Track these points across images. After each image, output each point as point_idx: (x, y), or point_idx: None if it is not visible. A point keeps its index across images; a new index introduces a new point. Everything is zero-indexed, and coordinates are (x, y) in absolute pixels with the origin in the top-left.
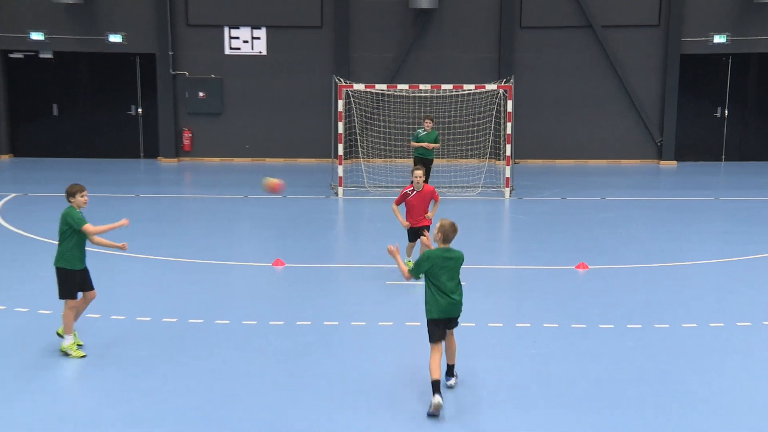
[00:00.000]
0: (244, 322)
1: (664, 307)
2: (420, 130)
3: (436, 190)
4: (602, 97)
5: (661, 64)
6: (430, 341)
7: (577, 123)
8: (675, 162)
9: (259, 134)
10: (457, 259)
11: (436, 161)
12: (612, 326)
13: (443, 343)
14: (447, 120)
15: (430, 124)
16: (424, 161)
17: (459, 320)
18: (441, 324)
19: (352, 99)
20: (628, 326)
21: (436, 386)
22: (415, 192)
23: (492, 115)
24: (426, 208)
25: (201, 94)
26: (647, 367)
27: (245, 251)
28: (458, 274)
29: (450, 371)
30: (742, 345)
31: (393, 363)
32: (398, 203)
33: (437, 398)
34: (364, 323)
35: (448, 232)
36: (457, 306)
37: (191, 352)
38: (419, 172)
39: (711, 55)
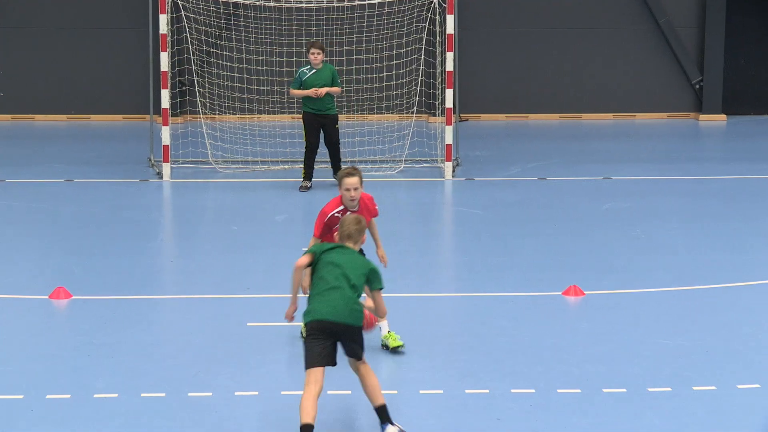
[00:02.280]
0: (1, 397)
1: (709, 357)
2: (305, 69)
3: (373, 199)
4: (604, 13)
5: None
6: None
7: (565, 55)
8: (724, 116)
9: (19, 75)
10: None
11: None
12: (624, 390)
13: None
14: (346, 51)
15: (321, 56)
16: (319, 120)
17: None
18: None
19: (183, 14)
20: (650, 390)
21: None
22: (348, 214)
23: (421, 41)
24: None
25: None
26: None
27: (2, 275)
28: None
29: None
30: None
31: None
32: (320, 236)
33: None
34: (209, 394)
35: (345, 225)
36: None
37: None
38: (353, 180)
39: None
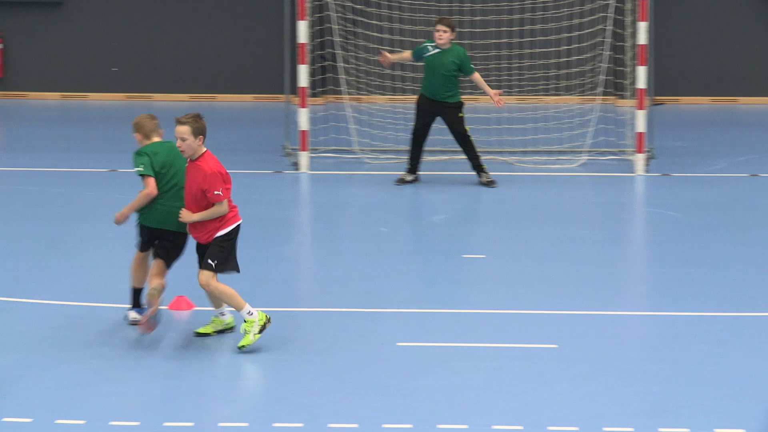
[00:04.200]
0: (113, 423)
1: None
2: (429, 45)
3: (222, 177)
4: None
5: None
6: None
7: None
8: None
9: (140, 46)
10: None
11: (486, 102)
12: None
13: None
14: (517, 21)
15: (447, 35)
16: (434, 107)
17: None
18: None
19: None
20: None
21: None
22: (188, 160)
23: (608, 8)
24: (197, 200)
25: None
26: None
27: (116, 281)
28: None
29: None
30: None
31: None
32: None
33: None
34: (355, 425)
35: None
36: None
37: None
38: (179, 130)
39: None
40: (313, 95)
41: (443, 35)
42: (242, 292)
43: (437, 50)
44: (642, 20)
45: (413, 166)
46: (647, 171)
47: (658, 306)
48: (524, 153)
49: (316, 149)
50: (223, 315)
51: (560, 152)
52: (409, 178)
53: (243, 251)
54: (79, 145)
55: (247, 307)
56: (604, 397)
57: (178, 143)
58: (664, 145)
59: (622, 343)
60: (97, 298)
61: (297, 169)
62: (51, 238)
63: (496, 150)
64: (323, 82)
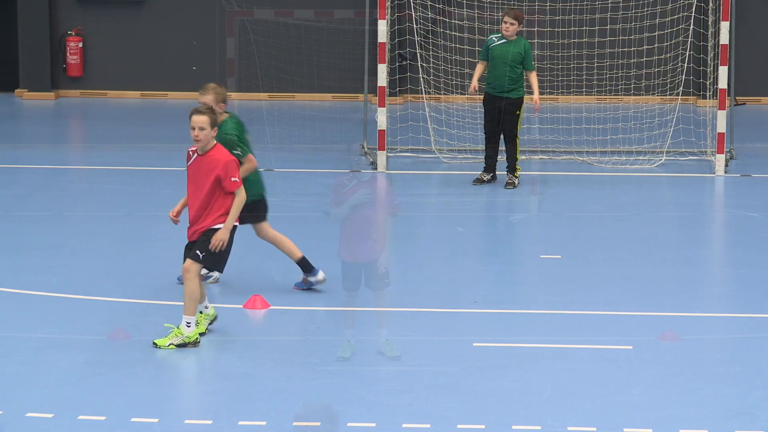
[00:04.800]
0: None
1: None
2: (494, 37)
3: (236, 164)
4: None
5: None
6: None
7: None
8: None
9: (212, 47)
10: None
11: (565, 102)
12: None
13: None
14: (599, 20)
15: (514, 27)
16: (497, 103)
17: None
18: None
19: None
20: None
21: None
22: (195, 156)
23: (691, 7)
24: (207, 195)
25: None
26: None
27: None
28: None
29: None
30: None
31: None
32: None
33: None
34: (428, 425)
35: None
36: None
37: None
38: (198, 119)
39: None
40: (392, 94)
41: (510, 27)
42: (319, 293)
43: (503, 41)
44: (724, 20)
45: (489, 165)
46: (727, 172)
47: (736, 308)
48: (603, 153)
49: (394, 148)
50: (207, 308)
51: (639, 152)
52: (487, 177)
53: (316, 250)
54: (158, 143)
55: (194, 318)
56: (679, 399)
57: (196, 132)
58: (744, 146)
59: (698, 345)
60: (172, 297)
61: (375, 169)
62: (129, 237)
63: (575, 150)
64: (402, 82)
